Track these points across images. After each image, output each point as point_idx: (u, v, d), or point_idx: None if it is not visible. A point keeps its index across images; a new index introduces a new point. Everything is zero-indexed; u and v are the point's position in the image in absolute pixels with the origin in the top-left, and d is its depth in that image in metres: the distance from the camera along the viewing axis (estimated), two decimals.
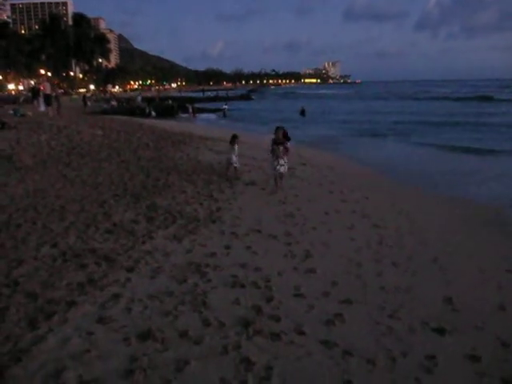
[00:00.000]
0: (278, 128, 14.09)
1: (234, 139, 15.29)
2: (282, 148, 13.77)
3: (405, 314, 6.34)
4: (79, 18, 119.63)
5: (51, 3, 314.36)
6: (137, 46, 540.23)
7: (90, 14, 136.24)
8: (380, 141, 32.46)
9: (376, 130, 38.93)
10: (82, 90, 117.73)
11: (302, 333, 5.81)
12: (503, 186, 16.93)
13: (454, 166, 21.64)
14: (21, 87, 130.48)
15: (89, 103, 59.54)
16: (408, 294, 6.83)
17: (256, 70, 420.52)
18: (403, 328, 5.98)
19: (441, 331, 5.92)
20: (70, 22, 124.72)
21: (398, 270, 7.94)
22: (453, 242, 9.90)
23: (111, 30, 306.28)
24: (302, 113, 54.60)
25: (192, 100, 74.78)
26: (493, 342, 5.71)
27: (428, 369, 5.11)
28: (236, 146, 15.23)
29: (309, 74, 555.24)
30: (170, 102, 65.52)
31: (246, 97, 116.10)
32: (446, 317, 6.33)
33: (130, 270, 7.62)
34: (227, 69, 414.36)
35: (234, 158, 15.23)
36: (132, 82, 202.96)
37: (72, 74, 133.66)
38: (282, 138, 13.87)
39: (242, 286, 7.09)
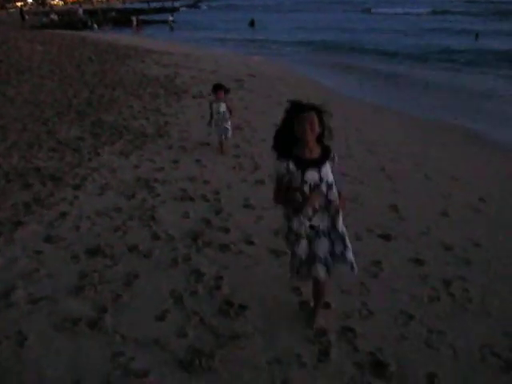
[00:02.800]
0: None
1: (217, 90, 8.85)
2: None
3: (351, 221, 6.44)
4: None
5: None
6: None
7: None
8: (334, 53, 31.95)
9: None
10: (18, 4, 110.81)
11: (250, 243, 5.89)
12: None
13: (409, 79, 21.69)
14: None
15: (27, 17, 56.42)
16: (355, 202, 6.96)
17: None
18: (349, 235, 6.11)
19: (386, 237, 6.09)
20: None
21: (346, 180, 8.04)
22: (401, 151, 10.07)
23: None
24: (252, 24, 53.08)
25: (137, 12, 71.43)
26: (436, 246, 5.93)
27: (374, 274, 5.27)
28: (223, 105, 8.98)
29: None
30: (114, 14, 62.60)
31: (193, 5, 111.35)
32: (392, 224, 6.50)
33: (77, 187, 7.49)
34: None
35: (228, 127, 9.15)
36: None
37: None
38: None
39: (191, 199, 7.09)
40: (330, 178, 3.97)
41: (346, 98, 16.04)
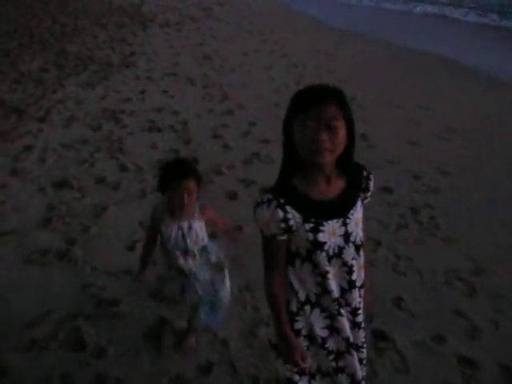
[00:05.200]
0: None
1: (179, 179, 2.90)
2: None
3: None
4: None
5: None
6: None
7: None
8: None
9: None
10: None
11: (220, 172, 5.86)
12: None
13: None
14: None
15: None
16: None
17: None
18: None
19: None
20: None
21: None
22: (369, 79, 9.99)
23: None
24: None
25: None
26: (405, 174, 5.97)
27: None
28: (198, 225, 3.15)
29: None
30: None
31: None
32: (362, 153, 6.49)
33: (42, 120, 7.30)
34: None
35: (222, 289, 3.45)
36: None
37: None
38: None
39: (159, 130, 6.97)
40: (361, 232, 2.11)
41: (316, 24, 15.76)
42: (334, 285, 2.09)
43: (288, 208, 1.94)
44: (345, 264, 2.08)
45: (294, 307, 2.16)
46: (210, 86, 8.94)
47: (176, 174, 2.84)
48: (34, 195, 5.35)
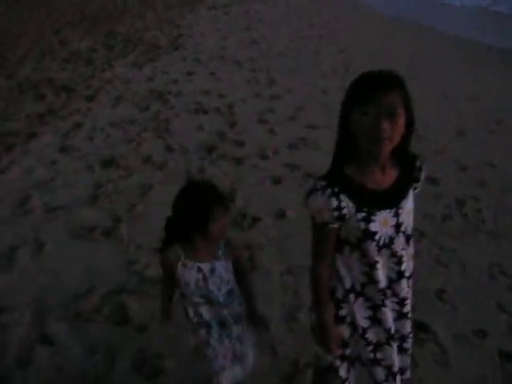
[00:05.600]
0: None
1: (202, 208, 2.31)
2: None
3: None
4: None
5: None
6: None
7: None
8: None
9: None
10: None
11: (265, 157, 5.86)
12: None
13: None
14: None
15: None
16: None
17: None
18: None
19: None
20: None
21: None
22: (419, 68, 9.80)
23: None
24: None
25: None
26: (451, 165, 5.85)
27: None
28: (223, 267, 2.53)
29: None
30: None
31: None
32: None
33: (91, 99, 7.42)
34: None
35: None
36: None
37: None
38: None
39: (205, 112, 7.01)
40: (411, 222, 2.08)
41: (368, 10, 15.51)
42: (381, 275, 2.06)
43: (342, 197, 1.88)
44: (394, 254, 2.04)
45: (339, 294, 2.15)
46: (256, 70, 8.91)
47: (215, 201, 2.23)
48: (82, 172, 5.47)
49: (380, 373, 2.23)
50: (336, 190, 1.88)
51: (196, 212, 2.22)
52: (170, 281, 2.49)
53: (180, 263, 2.36)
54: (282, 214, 4.82)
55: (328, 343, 2.18)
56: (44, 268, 4.10)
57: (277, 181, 5.41)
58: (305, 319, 3.61)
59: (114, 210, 4.80)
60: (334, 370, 2.30)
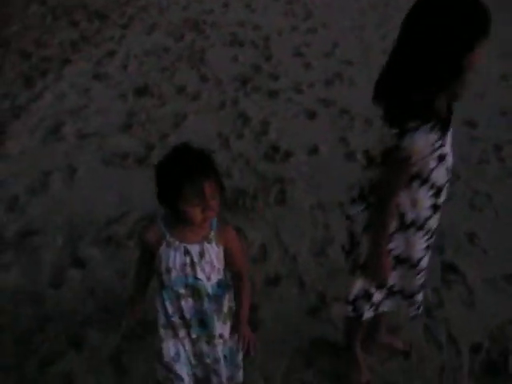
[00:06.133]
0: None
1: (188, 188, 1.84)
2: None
3: None
4: None
5: None
6: None
7: None
8: None
9: None
10: None
11: (300, 91, 5.74)
12: None
13: None
14: None
15: None
16: None
17: None
18: None
19: None
20: None
21: None
22: None
23: None
24: None
25: None
26: (491, 109, 5.65)
27: None
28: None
29: None
30: None
31: None
32: None
33: (125, 26, 7.30)
34: None
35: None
36: None
37: None
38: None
39: (241, 44, 6.84)
40: None
41: None
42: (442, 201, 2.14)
43: (436, 130, 1.86)
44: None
45: (392, 227, 2.14)
46: (293, 2, 8.60)
47: (193, 171, 1.79)
48: (115, 100, 5.45)
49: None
50: (431, 124, 1.84)
51: (165, 186, 1.86)
52: (149, 265, 2.06)
53: (164, 242, 1.95)
54: (314, 150, 4.75)
55: (385, 275, 2.25)
56: (76, 194, 4.16)
57: (311, 116, 5.31)
58: (334, 254, 3.61)
59: (146, 139, 4.80)
60: (368, 296, 2.42)
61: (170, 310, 2.08)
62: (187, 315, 2.08)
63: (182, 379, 2.20)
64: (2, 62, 6.24)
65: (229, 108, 5.32)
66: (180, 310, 2.07)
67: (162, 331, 2.16)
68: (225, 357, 2.25)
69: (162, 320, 2.14)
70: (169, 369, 2.19)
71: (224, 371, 2.28)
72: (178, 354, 2.18)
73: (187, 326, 2.12)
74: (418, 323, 3.15)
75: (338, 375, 2.84)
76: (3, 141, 4.78)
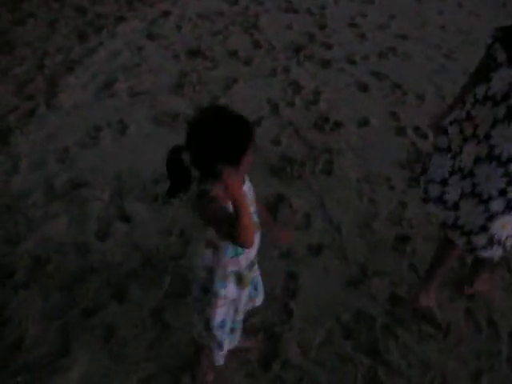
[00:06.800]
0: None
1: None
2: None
3: (462, 55, 6.03)
4: None
5: None
6: None
7: None
8: None
9: None
10: None
11: (353, 62, 5.65)
12: None
13: None
14: None
15: None
16: (468, 35, 6.41)
17: None
18: (457, 69, 5.72)
19: None
20: None
21: (462, 11, 7.39)
22: None
23: None
24: None
25: None
26: None
27: None
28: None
29: None
30: None
31: None
32: None
33: None
34: None
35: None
36: None
37: None
38: None
39: (296, 11, 6.75)
40: None
41: None
42: None
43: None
44: None
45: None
46: None
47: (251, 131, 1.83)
48: (168, 61, 5.45)
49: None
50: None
51: (235, 138, 1.77)
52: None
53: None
54: (365, 122, 4.70)
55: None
56: (126, 149, 4.21)
57: (363, 88, 5.23)
58: (378, 228, 3.58)
59: (197, 100, 4.80)
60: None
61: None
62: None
63: (222, 347, 2.29)
64: (57, 16, 6.28)
65: (280, 75, 5.27)
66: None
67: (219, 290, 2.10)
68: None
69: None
70: (212, 334, 2.24)
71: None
72: (224, 321, 2.22)
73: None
74: (460, 305, 3.12)
75: (374, 350, 2.83)
76: (56, 93, 4.83)
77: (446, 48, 6.16)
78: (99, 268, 3.18)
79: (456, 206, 2.51)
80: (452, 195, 2.53)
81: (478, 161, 2.35)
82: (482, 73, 2.39)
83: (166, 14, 6.46)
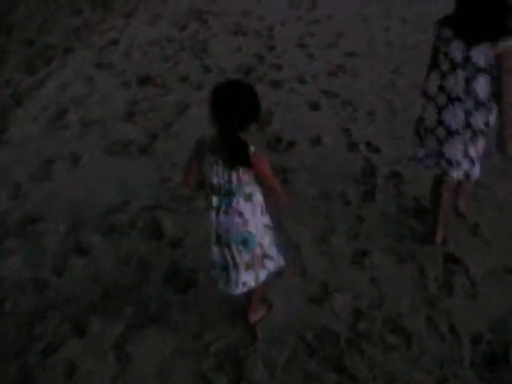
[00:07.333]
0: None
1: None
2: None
3: (409, 70, 6.19)
4: None
5: None
6: None
7: None
8: None
9: None
10: None
11: (303, 81, 5.73)
12: None
13: None
14: None
15: None
16: (414, 50, 6.59)
17: None
18: (406, 83, 5.88)
19: None
20: None
21: (407, 27, 7.59)
22: None
23: None
24: None
25: None
26: None
27: None
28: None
29: None
30: None
31: None
32: None
33: (128, 16, 7.30)
34: None
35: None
36: None
37: None
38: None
39: (244, 34, 6.84)
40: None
41: None
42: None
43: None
44: None
45: None
46: None
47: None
48: (118, 89, 5.44)
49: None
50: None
51: (255, 103, 2.42)
52: None
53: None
54: (318, 140, 4.75)
55: None
56: (79, 181, 4.16)
57: (314, 106, 5.31)
58: (336, 244, 3.61)
59: (149, 127, 4.80)
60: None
61: None
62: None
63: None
64: (6, 48, 6.24)
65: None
66: None
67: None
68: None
69: None
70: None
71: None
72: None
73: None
74: (421, 314, 3.16)
75: (340, 365, 2.84)
76: (6, 127, 4.77)
77: (394, 63, 6.30)
78: (58, 303, 3.12)
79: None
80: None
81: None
82: (438, 53, 3.20)
83: (115, 42, 6.47)
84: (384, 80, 5.94)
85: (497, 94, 3.03)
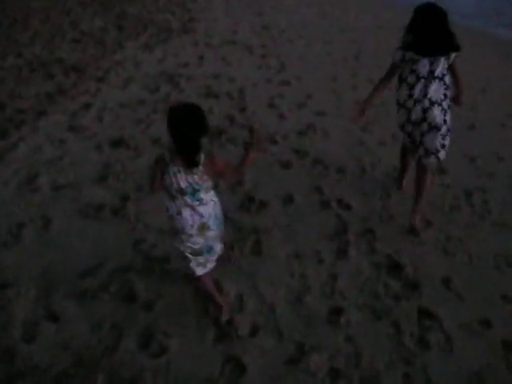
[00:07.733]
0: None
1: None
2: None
3: (377, 127, 6.36)
4: None
5: None
6: None
7: None
8: None
9: None
10: None
11: (274, 141, 5.83)
12: None
13: None
14: None
15: None
16: (382, 107, 6.79)
17: None
18: (374, 141, 6.03)
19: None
20: None
21: (373, 85, 7.83)
22: None
23: None
24: None
25: None
26: (460, 157, 5.81)
27: (396, 179, 5.20)
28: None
29: None
30: None
31: None
32: None
33: (101, 79, 7.39)
34: None
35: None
36: None
37: None
38: None
39: (216, 96, 6.97)
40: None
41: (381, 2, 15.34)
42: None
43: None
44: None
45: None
46: (267, 55, 8.85)
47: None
48: (90, 152, 5.45)
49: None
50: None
51: (199, 123, 2.88)
52: None
53: None
54: (289, 199, 4.80)
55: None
56: (50, 245, 4.10)
57: (285, 166, 5.39)
58: (311, 303, 3.61)
59: (122, 190, 4.79)
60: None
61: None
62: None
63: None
64: None
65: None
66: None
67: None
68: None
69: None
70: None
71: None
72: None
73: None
74: (398, 371, 3.15)
75: None
76: None
77: (363, 121, 6.46)
78: (27, 372, 3.03)
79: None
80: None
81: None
82: (396, 70, 4.33)
83: (87, 105, 6.53)
84: (353, 138, 6.09)
85: (453, 74, 4.28)
